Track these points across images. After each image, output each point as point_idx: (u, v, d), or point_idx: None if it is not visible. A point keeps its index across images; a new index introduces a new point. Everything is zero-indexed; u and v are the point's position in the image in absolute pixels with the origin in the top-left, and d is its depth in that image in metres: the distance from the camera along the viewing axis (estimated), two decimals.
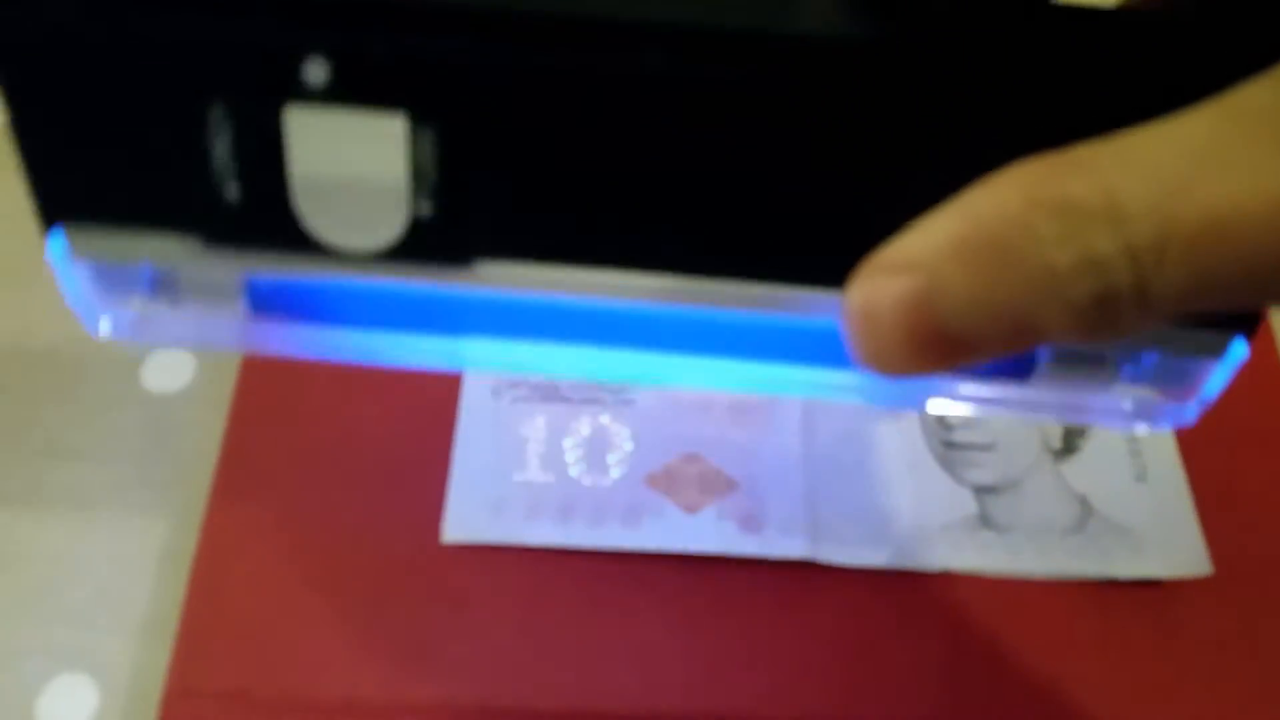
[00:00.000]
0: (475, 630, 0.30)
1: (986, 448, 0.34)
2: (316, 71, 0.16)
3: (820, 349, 0.19)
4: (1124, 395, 0.20)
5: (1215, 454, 0.33)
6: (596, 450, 0.33)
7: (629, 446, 0.33)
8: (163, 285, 0.19)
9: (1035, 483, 0.33)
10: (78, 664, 0.30)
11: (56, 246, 0.18)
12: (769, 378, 0.20)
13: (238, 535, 0.32)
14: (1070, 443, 0.34)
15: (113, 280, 0.19)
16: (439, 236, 0.17)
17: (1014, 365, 0.19)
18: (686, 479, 0.33)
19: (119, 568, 0.32)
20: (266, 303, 0.19)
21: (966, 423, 0.34)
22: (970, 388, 0.20)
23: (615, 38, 0.16)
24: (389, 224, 0.17)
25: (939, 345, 0.16)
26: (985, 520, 0.32)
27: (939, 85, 0.16)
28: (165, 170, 0.17)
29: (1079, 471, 0.33)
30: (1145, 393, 0.20)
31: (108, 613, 0.31)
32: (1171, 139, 0.15)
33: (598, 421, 0.34)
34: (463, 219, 0.17)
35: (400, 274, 0.18)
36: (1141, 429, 0.20)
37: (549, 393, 0.34)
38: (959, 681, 0.30)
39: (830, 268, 0.17)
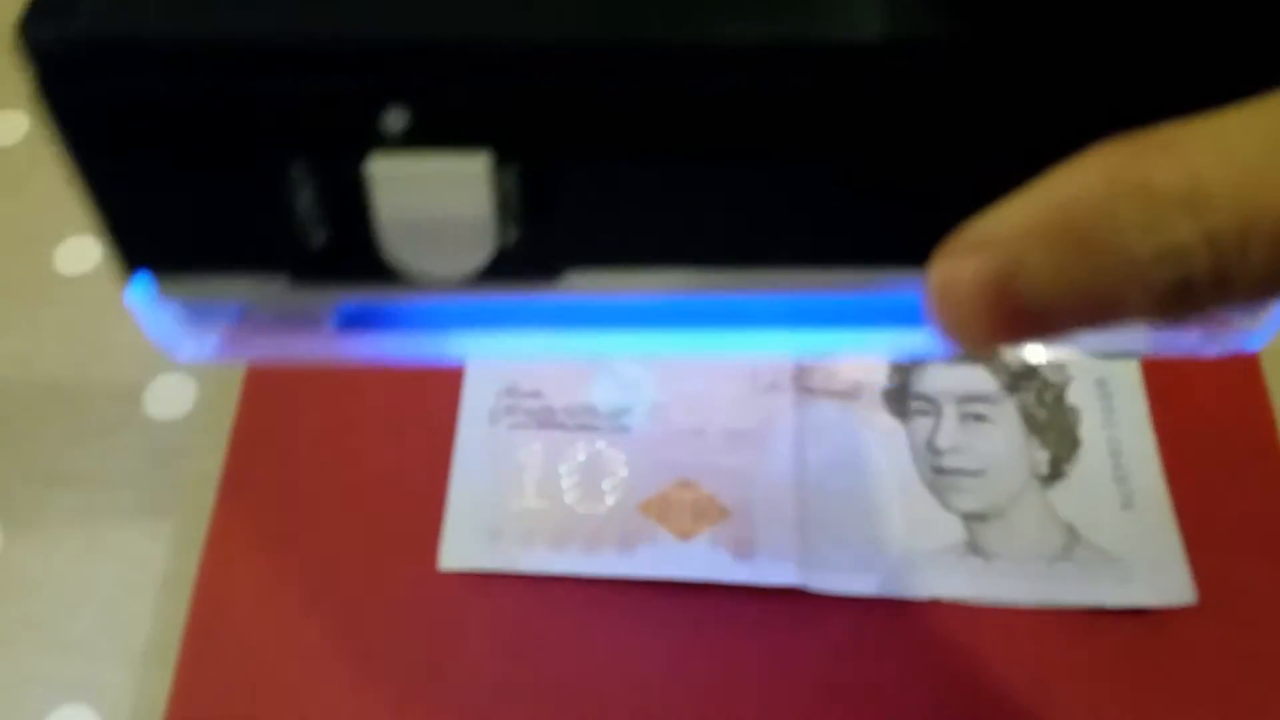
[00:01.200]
0: (472, 657, 0.31)
1: (976, 474, 0.34)
2: (396, 119, 0.16)
3: (893, 314, 0.20)
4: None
5: (1201, 481, 0.34)
6: (591, 477, 0.34)
7: (624, 473, 0.34)
8: (248, 315, 0.19)
9: (1023, 509, 0.34)
10: (79, 694, 0.31)
11: (139, 289, 0.18)
12: (845, 340, 0.21)
13: (238, 561, 0.32)
14: (1057, 468, 0.34)
15: (198, 315, 0.19)
16: (524, 257, 0.18)
17: None
18: (680, 506, 0.33)
19: (121, 593, 0.32)
20: (353, 320, 0.20)
21: (955, 448, 0.34)
22: None
23: (697, 63, 0.16)
24: (475, 253, 0.18)
25: (1017, 321, 0.16)
26: (974, 547, 0.33)
27: (1018, 75, 0.16)
28: (249, 220, 0.17)
29: (1066, 498, 0.34)
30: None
31: (109, 640, 0.31)
32: (1257, 124, 0.15)
33: (593, 448, 0.34)
34: (546, 239, 0.18)
35: (486, 292, 0.18)
36: (1211, 350, 0.20)
37: (545, 419, 0.35)
38: (947, 709, 0.31)
39: (912, 249, 0.18)
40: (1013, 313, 0.16)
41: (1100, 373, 0.36)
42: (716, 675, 0.31)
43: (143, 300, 0.18)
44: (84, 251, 0.36)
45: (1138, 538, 0.33)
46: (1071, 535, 0.33)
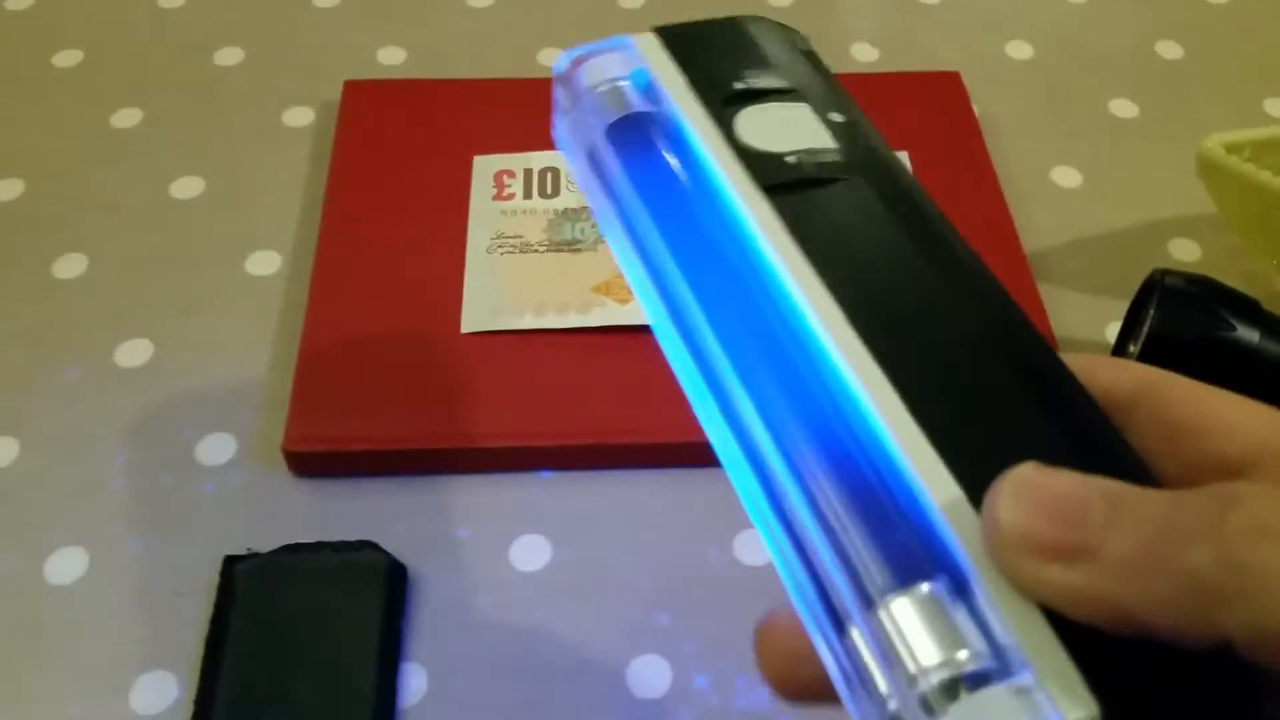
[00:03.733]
0: (485, 381, 0.47)
1: None
2: None
3: None
4: None
5: None
6: (561, 279, 0.50)
7: (580, 267, 0.50)
8: None
9: None
10: None
11: None
12: None
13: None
14: None
15: None
16: None
17: None
18: (619, 285, 0.49)
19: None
20: None
21: None
22: None
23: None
24: None
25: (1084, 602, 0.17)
26: None
27: None
28: None
29: None
30: None
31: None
32: None
33: (559, 260, 0.51)
34: None
35: None
36: None
37: (524, 248, 0.51)
38: None
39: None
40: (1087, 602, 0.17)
41: None
42: (644, 376, 0.47)
43: None
44: None
45: None
46: None
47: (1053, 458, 0.19)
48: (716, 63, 0.26)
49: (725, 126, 0.25)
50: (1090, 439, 0.20)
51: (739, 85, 0.26)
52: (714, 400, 0.23)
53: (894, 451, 0.20)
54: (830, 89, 0.27)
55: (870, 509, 0.20)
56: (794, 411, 0.21)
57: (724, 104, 0.25)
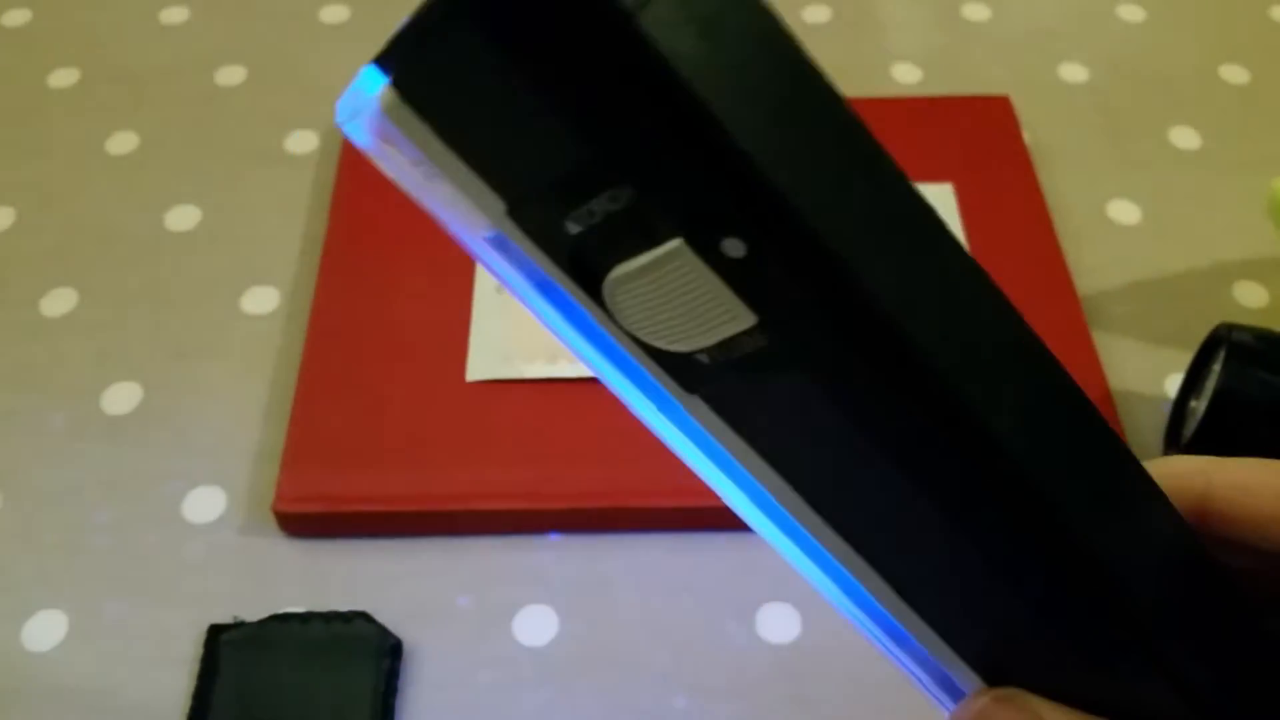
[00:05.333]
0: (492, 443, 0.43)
1: None
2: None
3: None
4: None
5: None
6: None
7: None
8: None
9: None
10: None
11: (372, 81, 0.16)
12: None
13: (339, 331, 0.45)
14: None
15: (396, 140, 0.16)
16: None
17: None
18: None
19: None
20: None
21: None
22: None
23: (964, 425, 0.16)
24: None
25: None
26: None
27: None
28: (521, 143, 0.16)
29: None
30: None
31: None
32: None
33: None
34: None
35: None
36: None
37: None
38: None
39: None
40: None
41: None
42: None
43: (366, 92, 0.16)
44: None
45: None
46: None
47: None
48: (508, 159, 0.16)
49: (611, 309, 0.17)
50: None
51: (573, 226, 0.16)
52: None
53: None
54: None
55: None
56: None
57: (578, 259, 0.17)
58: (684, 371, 0.18)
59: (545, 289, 0.17)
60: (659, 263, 0.16)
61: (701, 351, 0.17)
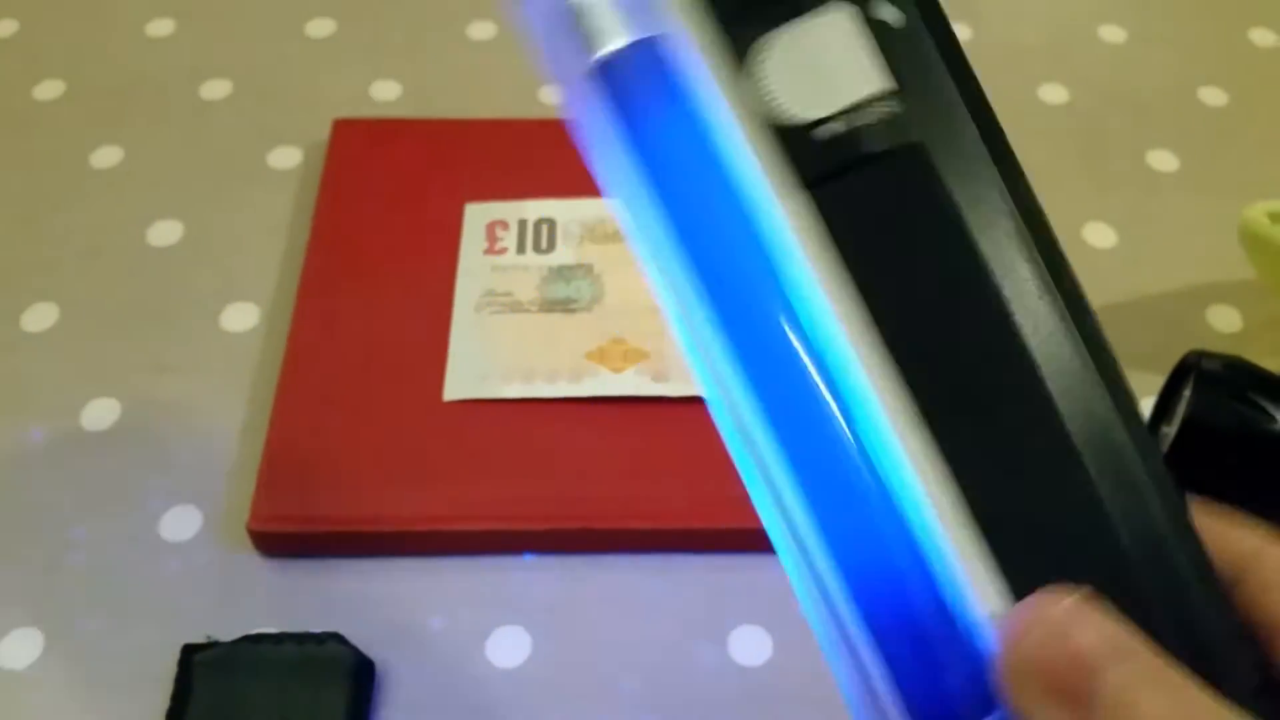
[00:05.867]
0: (470, 449, 0.44)
1: None
2: None
3: None
4: None
5: None
6: (551, 341, 0.47)
7: (572, 336, 0.47)
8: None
9: None
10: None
11: None
12: None
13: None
14: None
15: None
16: None
17: None
18: (614, 353, 0.46)
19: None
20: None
21: None
22: None
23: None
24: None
25: None
26: None
27: None
28: None
29: None
30: None
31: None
32: None
33: (551, 322, 0.47)
34: None
35: None
36: None
37: (515, 307, 0.48)
38: None
39: None
40: None
41: None
42: (639, 453, 0.44)
43: None
44: None
45: None
46: None
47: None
48: None
49: (747, 76, 0.19)
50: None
51: None
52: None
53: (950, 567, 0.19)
54: None
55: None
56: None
57: (739, 27, 0.19)
58: (802, 158, 0.19)
59: (640, 142, 0.19)
60: (821, 26, 0.19)
61: (833, 119, 0.19)
